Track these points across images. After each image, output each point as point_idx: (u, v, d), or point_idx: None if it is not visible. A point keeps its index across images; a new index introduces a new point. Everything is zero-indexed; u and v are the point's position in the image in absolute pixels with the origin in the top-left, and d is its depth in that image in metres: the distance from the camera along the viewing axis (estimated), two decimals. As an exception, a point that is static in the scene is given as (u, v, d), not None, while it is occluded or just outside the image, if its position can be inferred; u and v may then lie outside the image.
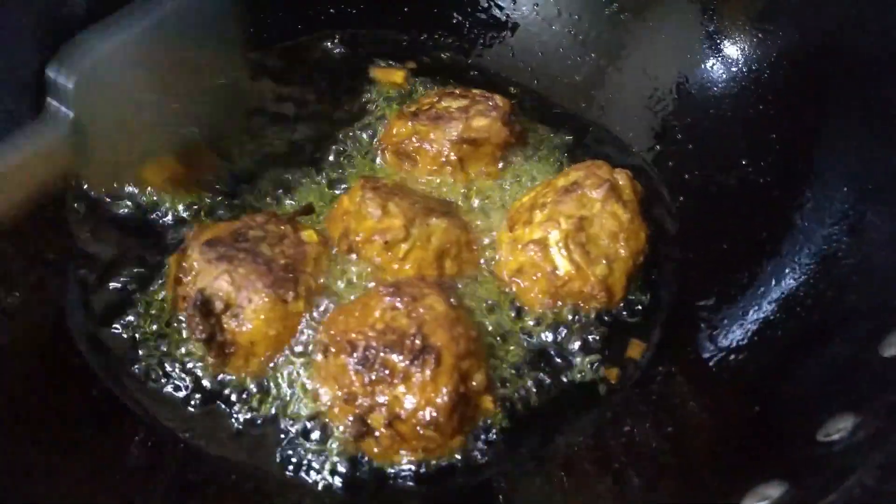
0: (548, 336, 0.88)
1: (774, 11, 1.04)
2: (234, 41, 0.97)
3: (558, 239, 0.86)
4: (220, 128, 1.01)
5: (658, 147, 1.12)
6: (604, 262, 0.86)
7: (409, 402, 0.72)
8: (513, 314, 0.89)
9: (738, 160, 1.02)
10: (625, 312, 0.91)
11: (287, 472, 0.78)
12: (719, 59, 1.09)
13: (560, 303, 0.88)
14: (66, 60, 0.75)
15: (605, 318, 0.90)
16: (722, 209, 1.01)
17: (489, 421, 0.80)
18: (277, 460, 0.79)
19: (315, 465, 0.78)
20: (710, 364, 0.86)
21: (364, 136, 1.09)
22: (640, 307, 0.92)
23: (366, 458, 0.77)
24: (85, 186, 0.92)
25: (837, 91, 0.93)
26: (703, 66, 1.11)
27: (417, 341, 0.74)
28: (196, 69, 0.91)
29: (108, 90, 0.79)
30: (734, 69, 1.08)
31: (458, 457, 0.77)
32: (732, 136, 1.06)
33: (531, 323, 0.88)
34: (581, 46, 1.22)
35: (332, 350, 0.77)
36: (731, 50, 1.08)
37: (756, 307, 0.87)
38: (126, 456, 0.79)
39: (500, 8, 1.26)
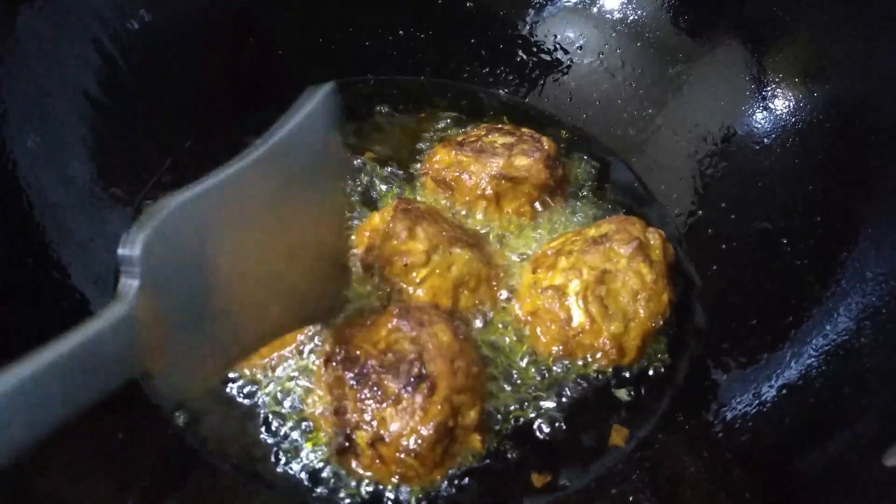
0: (551, 385, 0.86)
1: (820, 66, 1.03)
2: (338, 172, 0.74)
3: (578, 289, 0.85)
4: (322, 302, 0.77)
5: (700, 213, 1.10)
6: (620, 319, 0.85)
7: (395, 426, 0.72)
8: (520, 356, 0.88)
9: (778, 238, 0.99)
10: (635, 375, 0.89)
11: (273, 469, 0.79)
12: (767, 114, 1.08)
13: (570, 353, 0.87)
14: (136, 227, 0.56)
15: (614, 377, 0.88)
16: (752, 285, 0.98)
17: (472, 460, 0.78)
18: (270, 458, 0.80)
19: (294, 466, 0.78)
20: (713, 439, 0.83)
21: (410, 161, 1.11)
22: (651, 372, 0.90)
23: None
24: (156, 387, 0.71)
25: (883, 153, 0.90)
26: (749, 124, 1.09)
27: (415, 367, 0.73)
28: (294, 215, 0.68)
29: (182, 251, 0.58)
30: (781, 127, 1.06)
31: (432, 493, 0.76)
32: (774, 208, 1.02)
33: (536, 368, 0.87)
34: (639, 100, 1.22)
35: (334, 360, 0.77)
36: (779, 105, 1.06)
37: (769, 389, 0.84)
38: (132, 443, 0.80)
39: (566, 52, 1.26)
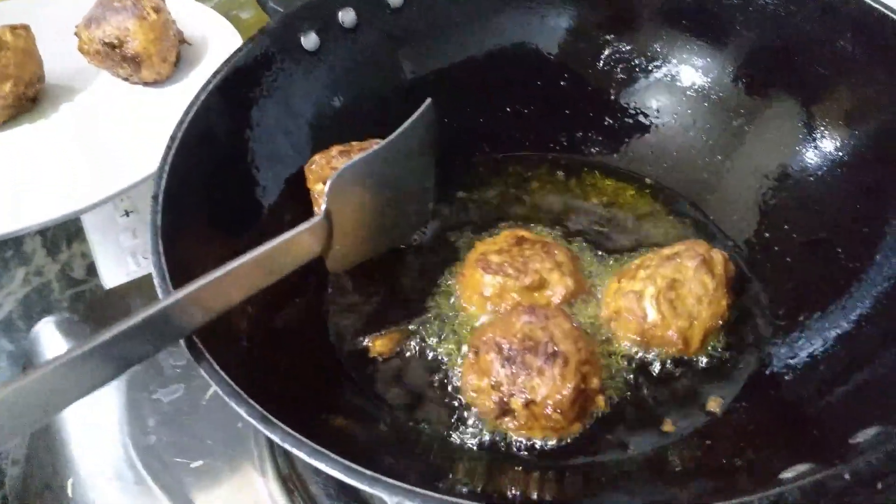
0: (635, 365, 1.18)
1: (860, 110, 1.30)
2: (431, 160, 1.25)
3: (652, 293, 1.15)
4: (413, 228, 1.33)
5: (766, 235, 1.38)
6: (686, 317, 1.14)
7: (542, 391, 1.00)
8: (607, 345, 1.20)
9: (832, 246, 1.26)
10: (700, 362, 1.20)
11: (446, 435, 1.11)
12: (817, 152, 1.36)
13: (645, 343, 1.17)
14: (330, 179, 1.05)
15: (683, 363, 1.19)
16: (810, 287, 1.26)
17: (599, 415, 1.09)
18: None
19: (466, 434, 1.10)
20: (774, 401, 1.12)
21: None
22: (713, 359, 1.19)
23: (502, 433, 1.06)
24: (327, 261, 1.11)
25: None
26: (803, 161, 1.38)
27: (549, 347, 1.01)
28: (406, 183, 1.21)
29: (347, 193, 1.07)
30: (830, 161, 1.34)
31: (574, 439, 1.07)
32: (827, 225, 1.29)
33: (622, 354, 1.19)
34: (709, 150, 1.51)
35: (483, 350, 1.02)
36: (827, 144, 1.35)
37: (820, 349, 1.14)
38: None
39: (646, 115, 1.58)
